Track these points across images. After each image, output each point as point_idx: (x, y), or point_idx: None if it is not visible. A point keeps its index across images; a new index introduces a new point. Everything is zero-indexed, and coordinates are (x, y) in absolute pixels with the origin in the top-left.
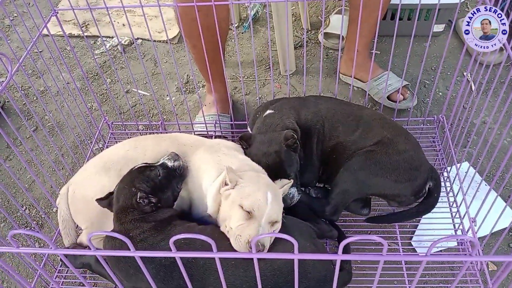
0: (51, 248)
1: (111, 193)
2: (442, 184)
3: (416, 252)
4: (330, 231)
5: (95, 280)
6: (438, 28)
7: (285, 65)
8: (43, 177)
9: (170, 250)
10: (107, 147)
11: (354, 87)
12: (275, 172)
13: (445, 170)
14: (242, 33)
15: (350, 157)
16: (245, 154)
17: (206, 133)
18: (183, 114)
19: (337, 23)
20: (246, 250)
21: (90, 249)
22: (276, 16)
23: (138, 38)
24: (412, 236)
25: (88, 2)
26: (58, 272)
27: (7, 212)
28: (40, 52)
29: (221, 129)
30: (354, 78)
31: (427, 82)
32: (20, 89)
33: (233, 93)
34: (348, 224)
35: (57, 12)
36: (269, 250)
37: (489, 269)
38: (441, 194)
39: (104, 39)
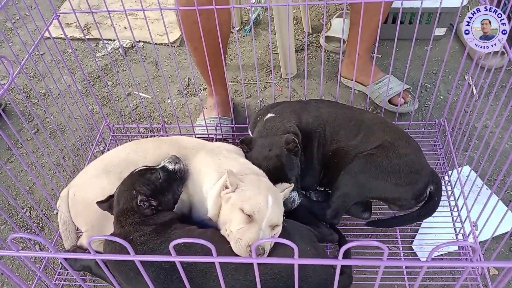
0: (50, 251)
1: (111, 196)
2: (443, 188)
3: (417, 256)
4: (331, 234)
5: (95, 283)
6: (439, 32)
7: (286, 69)
8: (44, 179)
9: (170, 253)
10: (108, 150)
11: (355, 90)
12: (276, 176)
13: (446, 174)
14: (244, 36)
15: (351, 161)
16: (246, 157)
17: (207, 136)
18: (184, 117)
19: (338, 27)
20: (246, 253)
21: (90, 252)
22: (277, 19)
23: (139, 41)
24: (413, 240)
25: (90, 5)
26: (58, 275)
27: (8, 214)
28: (42, 54)
29: (222, 132)
30: (355, 81)
31: (428, 85)
32: (22, 91)
33: (234, 96)
34: (349, 228)
35: (59, 16)
36: (270, 254)
37: (490, 274)
38: (442, 198)
39: (105, 42)
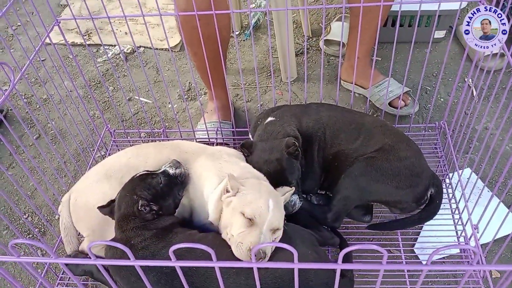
0: (51, 257)
1: (112, 201)
2: (444, 190)
3: (418, 259)
4: (332, 238)
5: None
6: (439, 34)
7: (286, 72)
8: (45, 184)
9: (171, 258)
10: (109, 155)
11: (356, 93)
12: (276, 180)
13: (447, 177)
14: (244, 40)
15: (351, 164)
16: (247, 161)
17: (207, 140)
18: (185, 121)
19: (338, 30)
20: (247, 257)
21: (91, 257)
22: (277, 23)
23: (140, 46)
24: (415, 243)
25: (91, 11)
26: (60, 280)
27: (10, 219)
28: (43, 60)
29: (222, 136)
30: (355, 84)
31: (429, 88)
32: (23, 97)
33: (235, 100)
34: (350, 231)
35: (59, 22)
36: (271, 258)
37: (493, 276)
38: (444, 200)
39: (106, 47)
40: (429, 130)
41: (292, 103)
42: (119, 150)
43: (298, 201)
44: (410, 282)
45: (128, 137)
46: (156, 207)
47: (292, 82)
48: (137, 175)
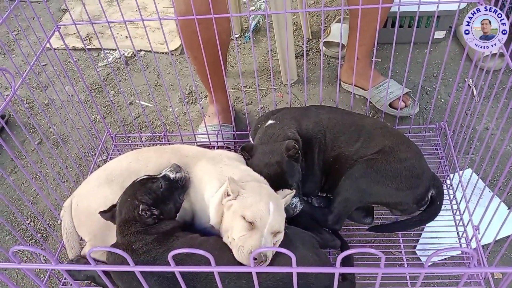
0: (52, 263)
1: (114, 206)
2: (445, 191)
3: (420, 260)
4: (333, 240)
5: None
6: (439, 34)
7: (286, 75)
8: (47, 189)
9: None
10: (110, 159)
11: (356, 95)
12: (277, 183)
13: (448, 178)
14: (244, 43)
15: (351, 166)
16: (247, 164)
17: (208, 143)
18: (186, 124)
19: (338, 32)
20: (248, 261)
21: (91, 263)
22: (277, 26)
23: (141, 50)
24: (416, 245)
25: (91, 15)
26: (62, 285)
27: (13, 224)
28: (44, 65)
29: (223, 139)
30: (356, 86)
31: (429, 89)
32: (25, 102)
33: (236, 103)
34: (352, 234)
35: (60, 27)
36: (271, 261)
37: (495, 277)
38: (445, 202)
39: (107, 51)
40: (430, 131)
41: (292, 105)
42: (120, 154)
43: (298, 204)
44: (411, 284)
45: (130, 141)
46: (157, 212)
47: (293, 84)
48: (138, 179)
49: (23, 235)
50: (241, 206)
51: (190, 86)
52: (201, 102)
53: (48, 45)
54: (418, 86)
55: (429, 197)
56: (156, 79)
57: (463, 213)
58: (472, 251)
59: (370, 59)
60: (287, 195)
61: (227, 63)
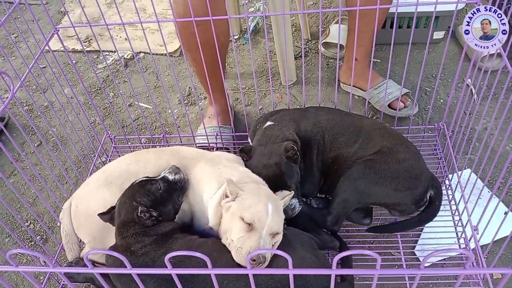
0: (50, 266)
1: (113, 208)
2: (444, 192)
3: (419, 261)
4: (332, 241)
5: None
6: (438, 35)
7: (286, 76)
8: (47, 192)
9: (171, 264)
10: (110, 161)
11: (355, 96)
12: (275, 184)
13: (447, 178)
14: (243, 44)
15: (350, 167)
16: (246, 166)
17: (207, 145)
18: (185, 126)
19: (337, 33)
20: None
21: (92, 263)
22: (276, 27)
23: (140, 52)
24: (415, 245)
25: (91, 17)
26: (61, 286)
27: (12, 227)
28: (44, 68)
29: (222, 140)
30: (355, 87)
31: (428, 89)
32: (24, 105)
33: (235, 104)
34: (351, 234)
35: (58, 30)
36: (270, 262)
37: (494, 278)
38: (444, 202)
39: (106, 53)
40: (429, 132)
41: (292, 107)
42: (119, 156)
43: (297, 205)
44: (410, 284)
45: (129, 143)
46: (155, 213)
47: (292, 86)
48: (137, 181)
49: (22, 237)
50: (240, 208)
51: (189, 87)
52: (200, 103)
53: (47, 48)
54: (417, 86)
55: (428, 197)
56: (156, 81)
57: (462, 213)
58: (467, 252)
59: (369, 60)
60: (286, 196)
61: (226, 64)
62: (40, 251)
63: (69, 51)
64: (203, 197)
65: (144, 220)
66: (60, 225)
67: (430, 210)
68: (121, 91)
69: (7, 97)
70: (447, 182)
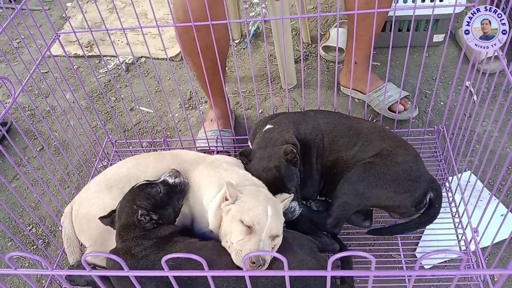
0: (48, 269)
1: (113, 211)
2: (444, 194)
3: (420, 263)
4: (332, 244)
5: None
6: (438, 38)
7: (285, 79)
8: (48, 196)
9: (171, 267)
10: (111, 165)
11: (355, 99)
12: (275, 187)
13: (447, 181)
14: (244, 48)
15: (350, 170)
16: (246, 169)
17: (208, 148)
18: (186, 130)
19: (338, 37)
20: (247, 265)
21: (93, 267)
22: (276, 31)
23: (142, 57)
24: (415, 248)
25: (93, 22)
26: None
27: (15, 231)
28: (46, 73)
29: (223, 144)
30: (355, 90)
31: (429, 92)
32: (26, 110)
33: (236, 108)
34: (351, 237)
35: (59, 36)
36: (270, 265)
37: (495, 279)
38: (444, 204)
39: (108, 58)
40: (429, 134)
41: (292, 110)
42: (121, 160)
43: (297, 208)
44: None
45: (130, 147)
46: (155, 217)
47: (293, 89)
48: (137, 185)
49: (25, 241)
50: (239, 210)
51: (190, 91)
52: (201, 107)
53: (48, 53)
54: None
55: (428, 200)
56: (157, 85)
57: (462, 215)
58: (462, 253)
59: (369, 63)
60: (285, 199)
61: (226, 68)
62: (42, 255)
63: (72, 56)
64: (203, 200)
65: (144, 223)
66: (61, 229)
67: (430, 213)
68: (122, 96)
69: (9, 102)
70: (447, 184)
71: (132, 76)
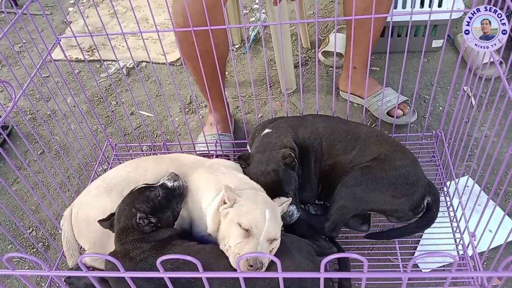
0: (45, 270)
1: (112, 214)
2: (442, 199)
3: (418, 267)
4: (330, 248)
5: None
6: (437, 43)
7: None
8: (48, 199)
9: (168, 270)
10: (111, 169)
11: (354, 103)
12: (273, 191)
13: (445, 185)
14: (244, 53)
15: (347, 174)
16: (244, 173)
17: (207, 152)
18: (186, 134)
19: (336, 42)
20: (245, 268)
21: (92, 269)
22: (275, 36)
23: (142, 61)
24: (413, 252)
25: (94, 27)
26: None
27: (15, 234)
28: (47, 77)
29: (222, 148)
30: (354, 95)
31: (427, 97)
32: (27, 113)
33: (235, 112)
34: (349, 241)
35: (60, 40)
36: (267, 269)
37: (494, 284)
38: (442, 209)
39: (109, 62)
40: (427, 139)
41: (291, 114)
42: (121, 164)
43: (295, 212)
44: None
45: (130, 151)
46: (154, 220)
47: (292, 94)
48: (136, 188)
49: (24, 244)
50: (237, 214)
51: (190, 96)
52: (200, 112)
53: (49, 57)
54: (416, 94)
55: (425, 204)
56: (157, 90)
57: (460, 220)
58: (453, 256)
59: (368, 68)
60: (283, 203)
61: (226, 73)
62: (41, 258)
63: (73, 61)
64: (202, 203)
65: (143, 226)
66: (61, 232)
67: (427, 217)
68: (122, 100)
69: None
70: (445, 189)
71: (133, 81)
